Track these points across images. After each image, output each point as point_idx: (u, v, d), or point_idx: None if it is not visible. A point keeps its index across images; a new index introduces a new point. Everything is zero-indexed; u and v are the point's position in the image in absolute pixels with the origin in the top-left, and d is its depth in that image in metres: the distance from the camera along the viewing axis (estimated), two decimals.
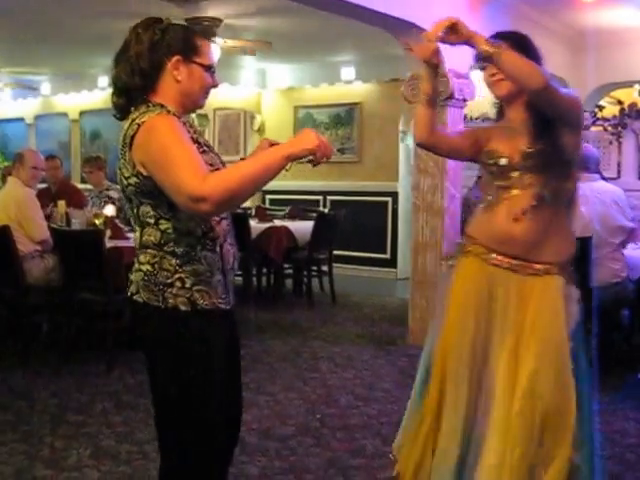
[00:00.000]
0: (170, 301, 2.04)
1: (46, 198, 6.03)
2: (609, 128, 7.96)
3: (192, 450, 2.09)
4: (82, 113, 11.19)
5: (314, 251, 6.95)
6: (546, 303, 2.46)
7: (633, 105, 7.91)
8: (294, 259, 7.06)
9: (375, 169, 9.21)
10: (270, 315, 6.55)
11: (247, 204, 7.61)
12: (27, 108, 11.95)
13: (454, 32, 2.29)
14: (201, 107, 2.21)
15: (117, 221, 5.27)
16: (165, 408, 2.14)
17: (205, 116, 9.58)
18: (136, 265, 2.11)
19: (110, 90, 2.15)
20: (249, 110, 10.19)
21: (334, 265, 7.42)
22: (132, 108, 2.08)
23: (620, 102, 8.03)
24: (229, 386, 2.22)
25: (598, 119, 7.97)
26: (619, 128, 7.93)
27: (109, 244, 4.83)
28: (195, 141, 2.05)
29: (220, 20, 6.58)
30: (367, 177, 9.22)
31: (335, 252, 7.43)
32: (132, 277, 2.12)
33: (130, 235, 5.22)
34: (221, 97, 8.93)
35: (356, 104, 9.38)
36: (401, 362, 5.11)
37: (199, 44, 2.11)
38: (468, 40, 2.30)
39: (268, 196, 9.81)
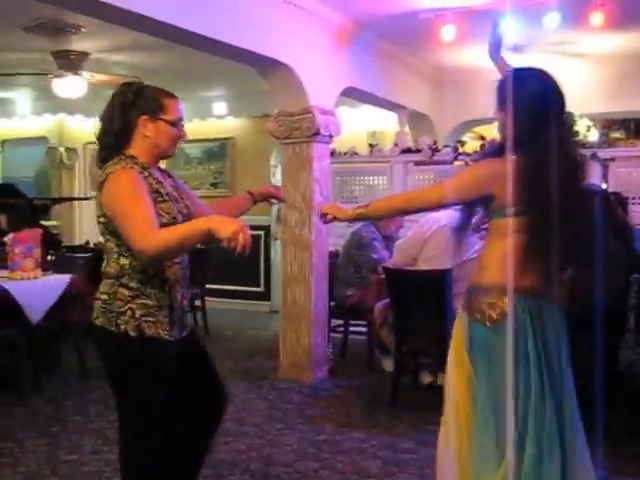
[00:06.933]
0: (122, 327, 2.40)
1: None
2: (470, 163, 8.36)
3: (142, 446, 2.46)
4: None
5: None
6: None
7: (493, 141, 8.36)
8: None
9: None
10: None
11: None
12: None
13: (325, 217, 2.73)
14: (171, 156, 2.64)
15: None
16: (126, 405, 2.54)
17: (74, 150, 9.33)
18: (97, 294, 2.49)
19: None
20: None
21: (207, 299, 7.36)
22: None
23: (482, 137, 8.42)
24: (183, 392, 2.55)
25: (460, 154, 8.37)
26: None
27: None
28: (155, 191, 2.44)
29: (87, 54, 6.58)
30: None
31: (208, 285, 7.38)
32: (94, 304, 2.49)
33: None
34: (92, 131, 8.70)
35: (228, 139, 9.43)
36: (271, 396, 5.15)
37: (165, 103, 2.51)
38: (338, 218, 2.72)
39: None
